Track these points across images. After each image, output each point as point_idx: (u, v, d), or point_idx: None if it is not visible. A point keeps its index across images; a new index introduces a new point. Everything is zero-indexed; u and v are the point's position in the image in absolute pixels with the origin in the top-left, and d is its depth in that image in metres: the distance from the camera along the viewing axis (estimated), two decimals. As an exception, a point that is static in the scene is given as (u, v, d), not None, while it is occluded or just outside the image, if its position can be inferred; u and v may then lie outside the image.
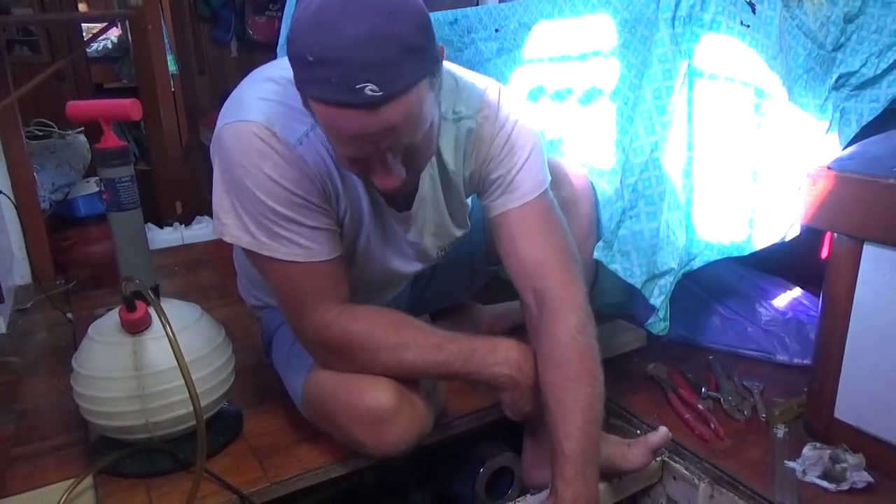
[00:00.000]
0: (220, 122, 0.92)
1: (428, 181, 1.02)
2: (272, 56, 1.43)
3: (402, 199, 1.01)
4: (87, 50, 3.45)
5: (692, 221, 1.20)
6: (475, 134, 1.03)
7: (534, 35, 1.36)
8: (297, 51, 0.75)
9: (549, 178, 1.07)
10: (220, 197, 0.93)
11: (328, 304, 0.97)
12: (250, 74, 0.98)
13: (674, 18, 1.10)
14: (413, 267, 1.14)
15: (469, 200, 1.16)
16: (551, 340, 0.99)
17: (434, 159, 1.00)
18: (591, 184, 1.22)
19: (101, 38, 3.43)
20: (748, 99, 1.12)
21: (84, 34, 3.33)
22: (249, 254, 0.96)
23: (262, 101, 0.91)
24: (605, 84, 1.21)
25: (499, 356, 0.99)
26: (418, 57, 0.76)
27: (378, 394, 0.97)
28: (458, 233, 1.14)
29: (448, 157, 1.03)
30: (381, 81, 0.73)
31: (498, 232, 1.06)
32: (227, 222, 0.93)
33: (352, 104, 0.74)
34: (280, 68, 0.95)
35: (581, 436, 0.93)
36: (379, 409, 0.97)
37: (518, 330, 1.31)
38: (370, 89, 0.73)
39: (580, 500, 0.91)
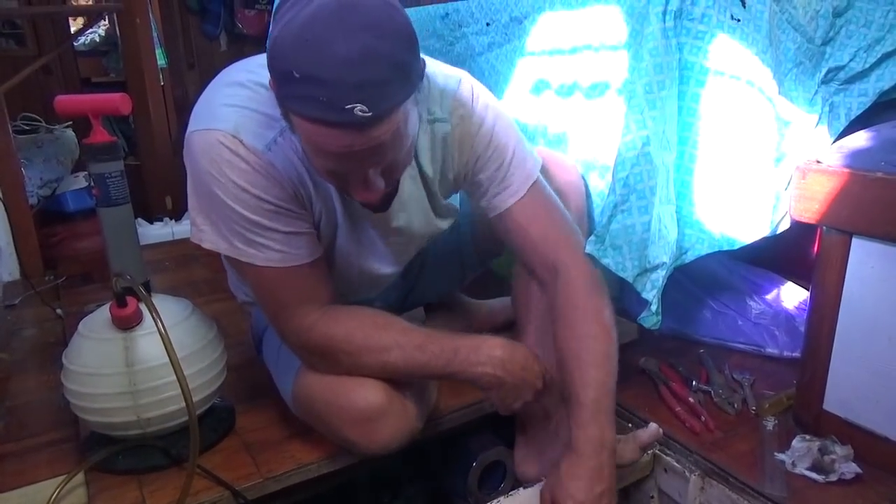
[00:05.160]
0: (189, 129, 0.91)
1: (409, 181, 1.01)
2: (262, 50, 1.41)
3: (380, 205, 1.00)
4: (75, 43, 3.42)
5: (684, 215, 1.20)
6: (453, 136, 1.02)
7: (536, 27, 1.36)
8: (282, 66, 0.73)
9: (539, 160, 1.08)
10: (193, 204, 0.93)
11: (308, 308, 0.96)
12: (217, 77, 0.96)
13: (664, 13, 1.10)
14: (390, 268, 1.12)
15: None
16: (567, 302, 1.02)
17: (413, 160, 1.00)
18: (582, 176, 1.22)
19: (88, 31, 3.40)
20: (745, 91, 1.13)
21: (71, 27, 3.30)
22: (229, 258, 0.96)
23: (229, 107, 0.89)
24: (613, 77, 1.19)
25: (482, 355, 0.98)
26: (406, 75, 0.75)
27: (367, 394, 0.97)
28: (445, 224, 1.14)
29: (424, 160, 1.01)
30: (371, 102, 0.72)
31: (503, 227, 1.07)
32: (203, 229, 0.93)
33: (340, 124, 0.73)
34: (248, 70, 0.94)
35: (596, 385, 0.97)
36: (368, 410, 0.97)
37: (512, 325, 1.32)
38: (360, 109, 0.72)
39: (592, 442, 0.93)
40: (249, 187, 0.88)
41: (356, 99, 0.71)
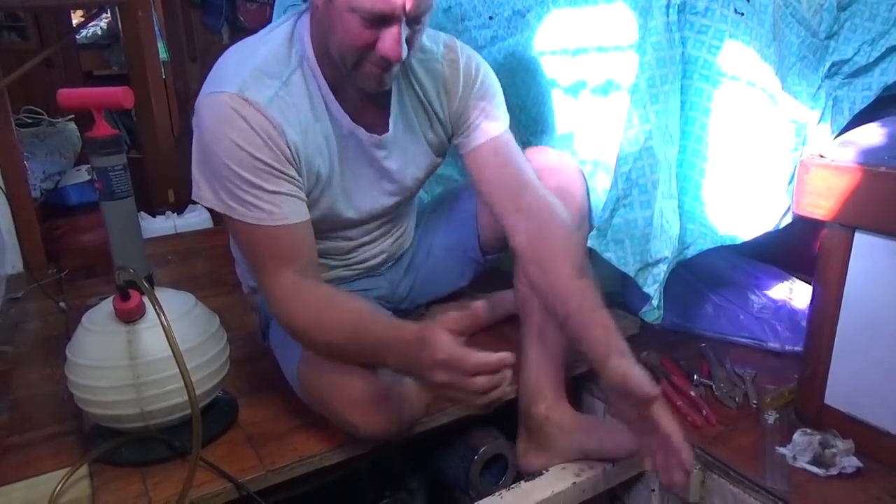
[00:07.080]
0: (200, 95, 0.99)
1: (396, 106, 1.09)
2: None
3: (381, 98, 1.08)
4: (77, 36, 3.41)
5: (686, 210, 1.20)
6: (445, 76, 1.11)
7: (542, 26, 1.35)
8: None
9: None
10: (195, 165, 1.00)
11: (285, 271, 0.99)
12: (232, 47, 1.05)
13: (668, 7, 1.09)
14: (391, 199, 1.18)
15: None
16: (544, 249, 1.05)
17: (404, 84, 1.11)
18: (582, 172, 1.22)
19: (90, 24, 3.40)
20: (748, 86, 1.12)
21: (73, 20, 3.29)
22: (224, 217, 1.01)
23: (236, 66, 0.98)
24: (620, 75, 1.19)
25: (400, 366, 0.93)
26: None
27: (370, 375, 0.98)
28: (438, 159, 1.20)
29: (427, 85, 1.11)
30: None
31: (481, 159, 1.13)
32: (201, 186, 1.00)
33: None
34: (259, 35, 1.04)
35: (602, 325, 0.98)
36: (371, 391, 0.98)
37: (512, 319, 1.32)
38: None
39: (624, 366, 0.91)
40: (245, 145, 0.95)
41: None
